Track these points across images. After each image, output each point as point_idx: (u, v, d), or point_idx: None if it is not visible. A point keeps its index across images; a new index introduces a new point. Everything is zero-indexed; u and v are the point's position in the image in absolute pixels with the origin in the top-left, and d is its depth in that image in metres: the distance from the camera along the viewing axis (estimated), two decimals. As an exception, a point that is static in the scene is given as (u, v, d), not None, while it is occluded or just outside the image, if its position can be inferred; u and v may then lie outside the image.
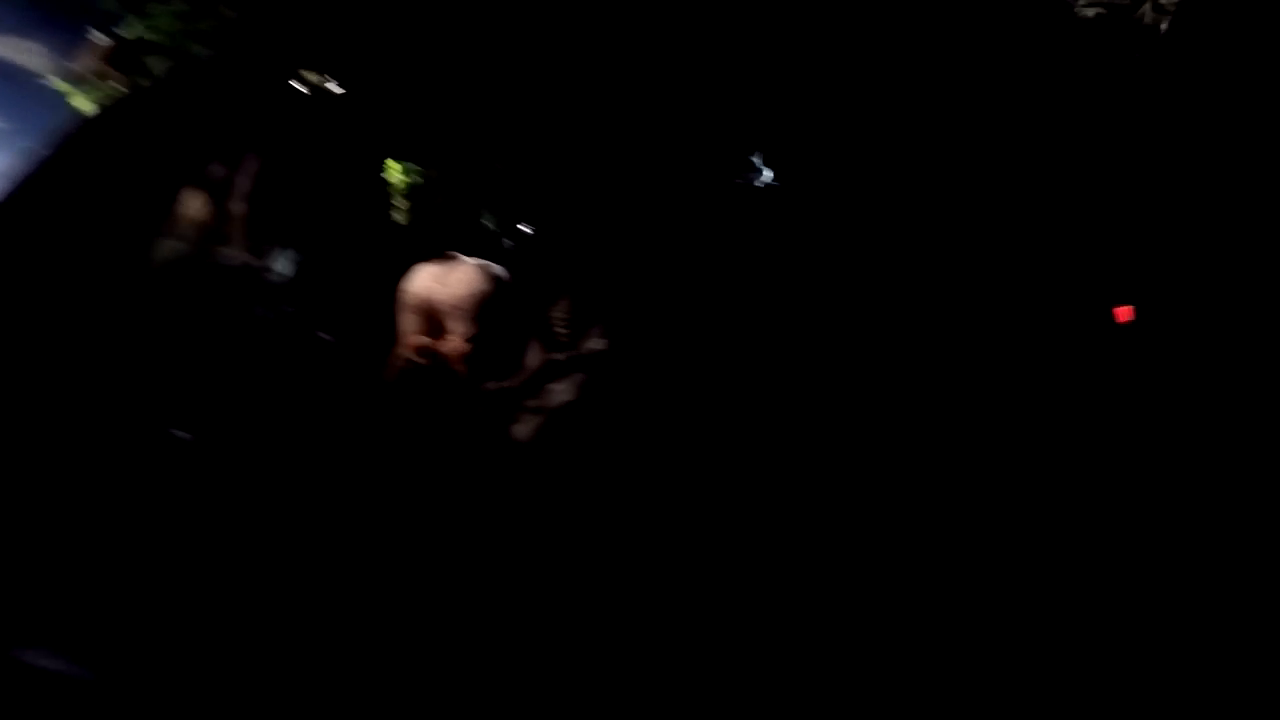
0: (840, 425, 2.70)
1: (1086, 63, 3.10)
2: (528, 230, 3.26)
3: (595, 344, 2.96)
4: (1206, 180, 2.91)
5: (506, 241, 3.25)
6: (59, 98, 3.26)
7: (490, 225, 3.15)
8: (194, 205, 2.50)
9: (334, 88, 3.09)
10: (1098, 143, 3.08)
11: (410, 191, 3.09)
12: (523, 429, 2.70)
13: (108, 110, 2.83)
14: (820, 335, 3.00)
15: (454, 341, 2.70)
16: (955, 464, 2.56)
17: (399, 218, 3.03)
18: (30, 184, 2.47)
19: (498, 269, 2.92)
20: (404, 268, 2.88)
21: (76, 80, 3.34)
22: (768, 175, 3.67)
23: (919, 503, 2.58)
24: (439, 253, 2.93)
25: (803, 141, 3.51)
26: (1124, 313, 2.82)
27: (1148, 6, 2.76)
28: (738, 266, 3.17)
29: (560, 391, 2.85)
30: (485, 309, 2.75)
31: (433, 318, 2.74)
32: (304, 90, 2.89)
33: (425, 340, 2.72)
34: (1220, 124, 2.90)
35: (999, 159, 3.14)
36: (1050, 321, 2.87)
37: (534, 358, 2.84)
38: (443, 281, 2.79)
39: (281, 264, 2.54)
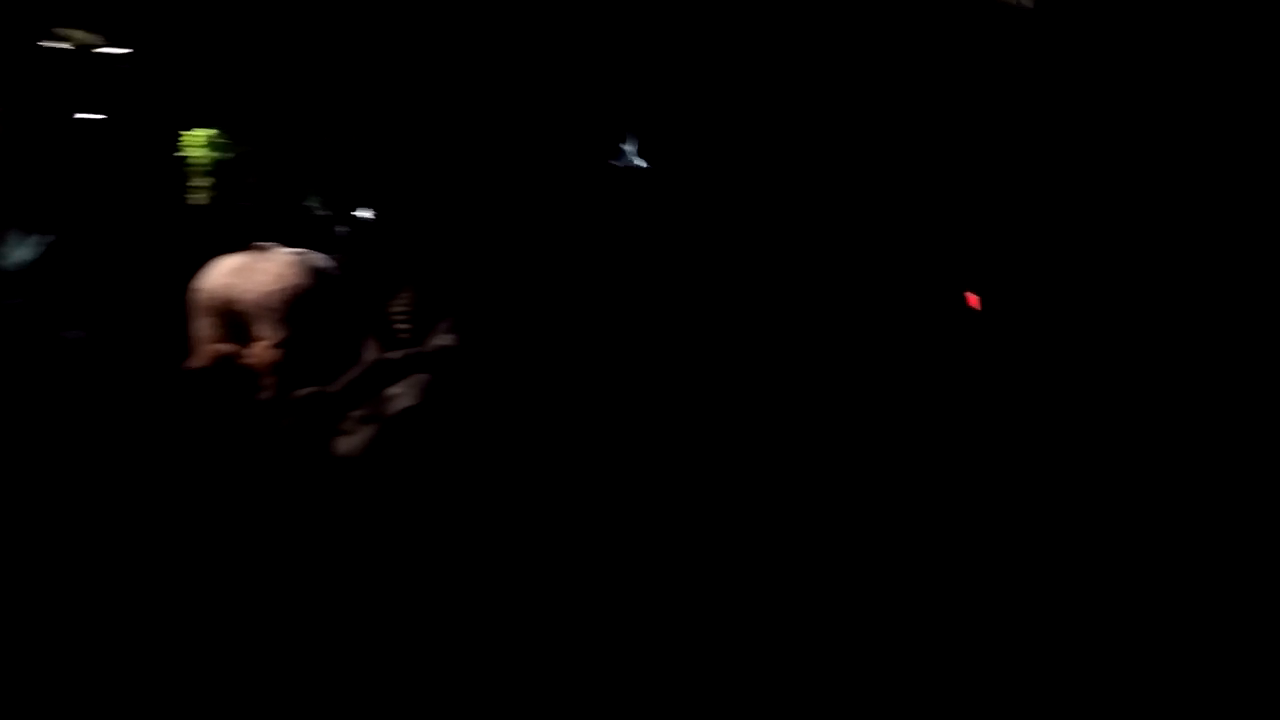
0: (716, 428, 2.46)
1: (952, 42, 3.00)
2: (365, 215, 2.85)
3: (443, 340, 2.59)
4: (1072, 164, 2.87)
5: (340, 228, 2.83)
6: None
7: (317, 209, 2.73)
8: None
9: (111, 50, 2.57)
10: (964, 123, 2.99)
11: (215, 168, 2.62)
12: (351, 442, 2.31)
13: None
14: (696, 328, 2.76)
15: (260, 348, 2.27)
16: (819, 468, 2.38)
17: (198, 199, 2.56)
18: None
19: (318, 259, 2.49)
20: (202, 260, 2.42)
21: None
22: (638, 160, 3.41)
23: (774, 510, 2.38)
24: (247, 242, 2.48)
25: (675, 126, 3.28)
26: (972, 300, 2.77)
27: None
28: (606, 254, 2.88)
29: (400, 396, 2.47)
30: (300, 307, 2.32)
31: (234, 320, 2.29)
32: (63, 48, 2.38)
33: (224, 347, 2.27)
34: (1085, 107, 2.87)
35: (865, 140, 3.01)
36: (914, 308, 2.75)
37: (367, 359, 2.44)
38: (247, 276, 2.34)
39: (17, 250, 2.04)
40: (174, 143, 2.59)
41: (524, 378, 2.54)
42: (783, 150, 3.09)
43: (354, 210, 2.77)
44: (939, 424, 2.50)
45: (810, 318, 2.67)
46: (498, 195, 2.79)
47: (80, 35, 2.40)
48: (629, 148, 3.40)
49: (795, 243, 2.93)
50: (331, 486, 2.18)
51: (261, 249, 2.54)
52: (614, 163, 3.34)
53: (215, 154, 2.62)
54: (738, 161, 3.06)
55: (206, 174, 2.59)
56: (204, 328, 2.38)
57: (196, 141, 2.61)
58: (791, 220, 2.97)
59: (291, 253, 2.55)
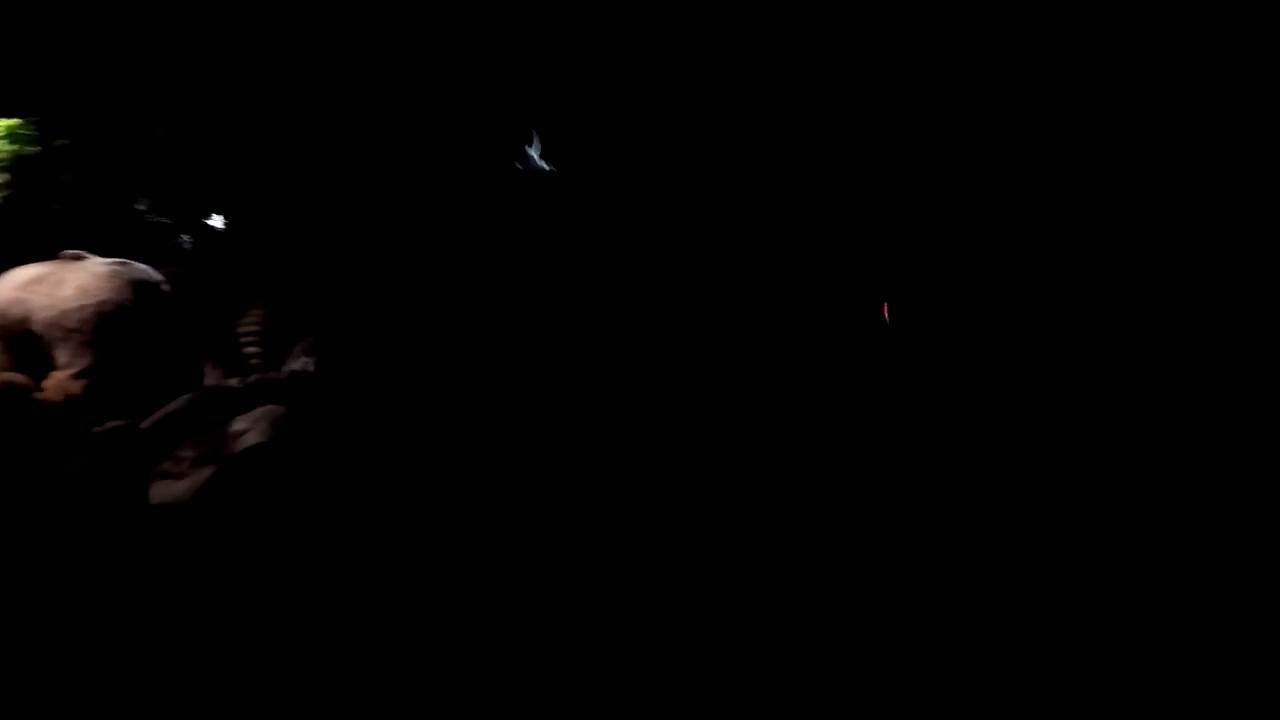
0: (612, 454, 2.17)
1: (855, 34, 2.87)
2: (212, 223, 2.45)
3: (299, 364, 2.22)
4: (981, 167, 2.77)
5: (182, 238, 2.42)
6: None
7: (150, 214, 2.31)
8: None
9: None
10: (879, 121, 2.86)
11: (15, 164, 2.18)
12: (174, 488, 1.90)
13: None
14: (591, 344, 2.47)
15: (58, 378, 1.85)
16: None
17: (-11, 201, 2.11)
18: None
19: (141, 271, 2.09)
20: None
21: None
22: (540, 163, 3.13)
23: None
24: (54, 250, 2.06)
25: (574, 129, 3.02)
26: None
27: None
28: (488, 266, 2.57)
29: (245, 432, 2.08)
30: (111, 328, 1.92)
31: (26, 344, 1.87)
32: None
33: (11, 377, 1.84)
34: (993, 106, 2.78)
35: (777, 140, 2.83)
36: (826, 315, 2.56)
37: (200, 388, 2.05)
38: (45, 290, 1.92)
39: None
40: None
41: (397, 408, 2.19)
42: (688, 157, 2.87)
43: (197, 216, 2.38)
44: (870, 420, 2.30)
45: (715, 336, 2.43)
46: (368, 199, 2.45)
47: None
48: (532, 151, 3.12)
49: (701, 259, 2.69)
50: (143, 540, 1.77)
51: (69, 258, 2.11)
52: (517, 164, 3.05)
53: (16, 148, 2.18)
54: (635, 170, 2.82)
55: (3, 170, 2.15)
56: (-15, 354, 1.93)
57: (-5, 132, 2.16)
58: (698, 233, 2.75)
59: (106, 264, 2.13)
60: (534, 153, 3.11)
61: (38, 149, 2.21)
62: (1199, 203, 2.50)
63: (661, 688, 1.68)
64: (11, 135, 2.19)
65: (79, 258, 2.06)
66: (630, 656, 1.74)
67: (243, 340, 2.22)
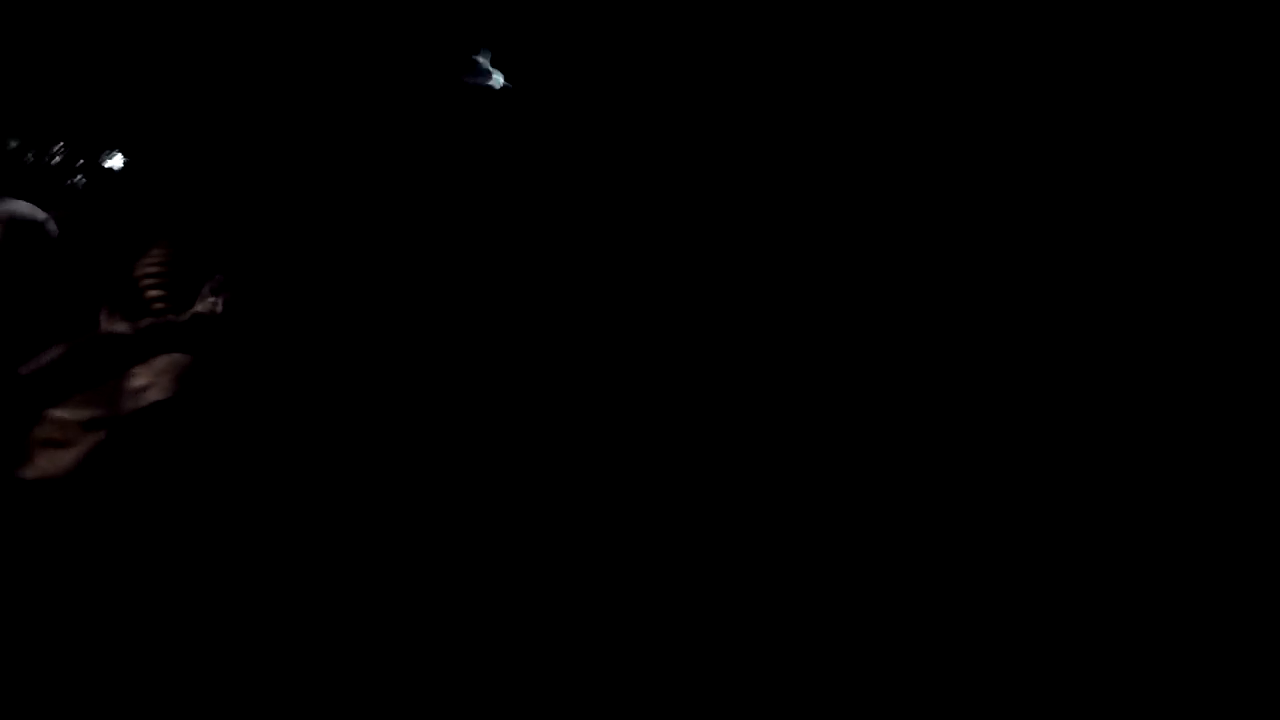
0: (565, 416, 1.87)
1: None
2: (109, 162, 2.14)
3: (207, 306, 1.93)
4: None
5: (73, 179, 2.12)
6: None
7: (23, 151, 2.01)
8: None
9: None
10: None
11: None
12: (61, 458, 1.64)
13: None
14: (554, 285, 2.16)
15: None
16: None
17: None
18: None
19: (17, 209, 1.79)
20: None
21: None
22: (497, 78, 2.77)
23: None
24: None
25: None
26: None
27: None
28: (432, 189, 2.24)
29: (147, 388, 1.81)
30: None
31: None
32: None
33: None
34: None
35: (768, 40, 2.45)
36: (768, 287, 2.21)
37: (86, 336, 1.77)
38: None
39: None
40: None
41: (322, 358, 1.91)
42: (660, 73, 2.50)
43: (89, 156, 2.07)
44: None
45: (698, 273, 2.10)
46: (284, 118, 2.12)
47: None
48: (482, 60, 2.75)
49: (679, 184, 2.35)
50: (22, 525, 1.52)
51: (-76, 198, 1.83)
52: (466, 79, 2.69)
53: None
54: (607, 83, 2.46)
55: None
56: None
57: None
58: (674, 158, 2.39)
59: (-31, 201, 1.85)
60: (485, 62, 2.75)
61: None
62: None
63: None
64: None
65: (-63, 197, 1.77)
66: (622, 650, 1.53)
67: (144, 283, 1.93)
